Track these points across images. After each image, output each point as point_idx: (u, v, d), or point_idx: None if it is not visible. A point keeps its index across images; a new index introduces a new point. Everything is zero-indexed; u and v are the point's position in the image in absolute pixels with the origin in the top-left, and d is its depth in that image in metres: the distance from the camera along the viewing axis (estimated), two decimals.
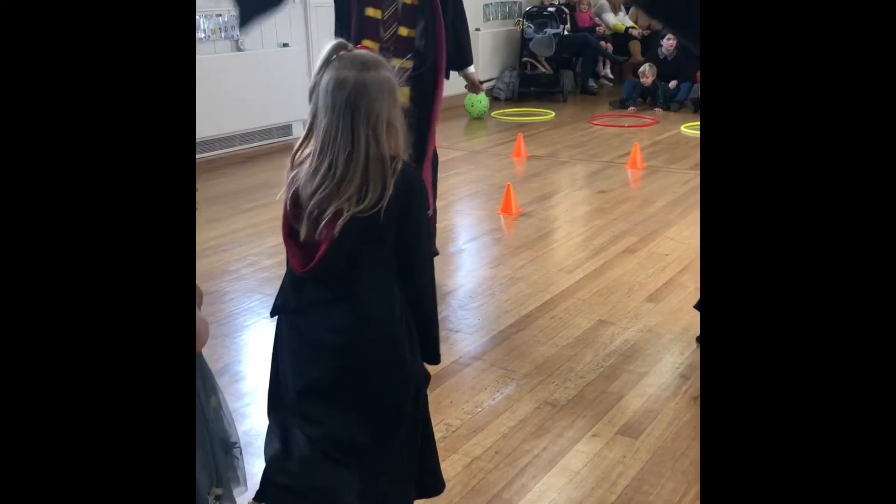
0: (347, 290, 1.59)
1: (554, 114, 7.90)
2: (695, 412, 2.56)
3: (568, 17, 9.00)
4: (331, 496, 1.63)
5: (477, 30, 8.32)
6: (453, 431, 2.48)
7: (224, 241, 4.30)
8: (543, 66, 8.79)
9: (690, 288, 3.58)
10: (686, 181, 5.40)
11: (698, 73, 7.81)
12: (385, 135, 1.52)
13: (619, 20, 9.47)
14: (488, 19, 8.96)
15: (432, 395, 2.50)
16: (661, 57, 8.26)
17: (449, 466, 2.29)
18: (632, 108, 8.02)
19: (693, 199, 4.94)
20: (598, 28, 9.29)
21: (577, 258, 4.02)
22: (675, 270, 3.81)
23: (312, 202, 1.52)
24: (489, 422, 2.54)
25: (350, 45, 1.55)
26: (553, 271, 3.85)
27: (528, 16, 8.89)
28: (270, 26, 6.57)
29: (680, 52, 7.99)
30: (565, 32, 8.83)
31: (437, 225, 3.73)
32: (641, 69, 8.19)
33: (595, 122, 7.51)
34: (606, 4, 9.47)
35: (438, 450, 1.87)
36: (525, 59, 8.85)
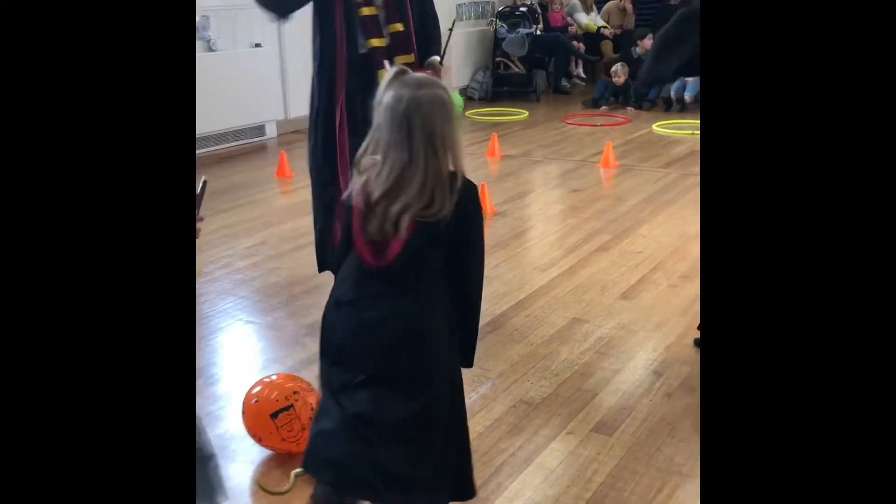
0: (407, 288, 1.72)
1: (527, 113, 7.93)
2: (668, 409, 2.58)
3: (540, 16, 9.03)
4: (366, 476, 1.74)
5: (450, 30, 8.31)
6: None
7: (198, 242, 4.27)
8: (516, 65, 8.82)
9: (663, 285, 3.61)
10: (657, 179, 5.44)
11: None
12: (442, 147, 1.65)
13: (591, 20, 9.52)
14: (461, 19, 8.97)
15: None
16: (634, 56, 8.32)
17: None
18: (604, 108, 8.07)
19: (665, 197, 4.98)
20: (570, 28, 9.34)
21: (551, 257, 4.04)
22: (647, 268, 3.84)
23: (379, 201, 1.67)
24: None
25: (409, 70, 1.70)
26: (527, 270, 3.87)
27: (501, 16, 8.92)
28: (243, 26, 6.55)
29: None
30: (538, 32, 8.86)
31: None
32: (614, 69, 8.23)
33: (568, 122, 7.55)
34: (578, 4, 9.51)
35: None
36: (498, 58, 8.87)
